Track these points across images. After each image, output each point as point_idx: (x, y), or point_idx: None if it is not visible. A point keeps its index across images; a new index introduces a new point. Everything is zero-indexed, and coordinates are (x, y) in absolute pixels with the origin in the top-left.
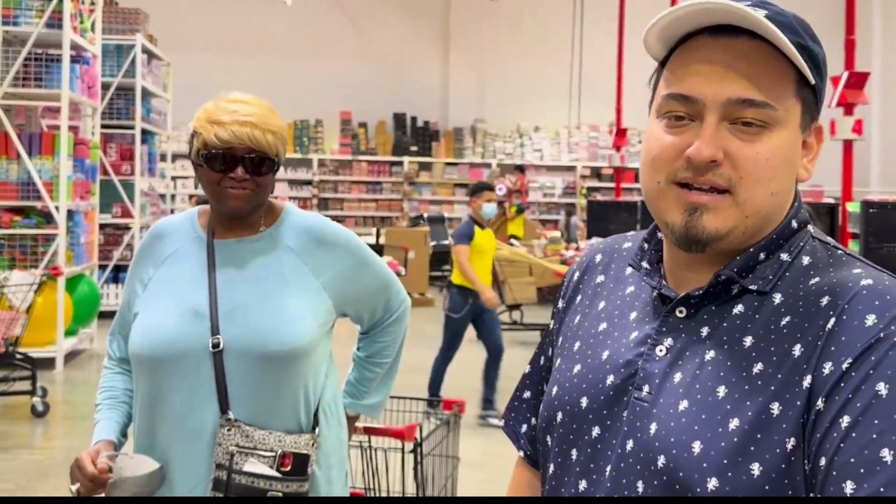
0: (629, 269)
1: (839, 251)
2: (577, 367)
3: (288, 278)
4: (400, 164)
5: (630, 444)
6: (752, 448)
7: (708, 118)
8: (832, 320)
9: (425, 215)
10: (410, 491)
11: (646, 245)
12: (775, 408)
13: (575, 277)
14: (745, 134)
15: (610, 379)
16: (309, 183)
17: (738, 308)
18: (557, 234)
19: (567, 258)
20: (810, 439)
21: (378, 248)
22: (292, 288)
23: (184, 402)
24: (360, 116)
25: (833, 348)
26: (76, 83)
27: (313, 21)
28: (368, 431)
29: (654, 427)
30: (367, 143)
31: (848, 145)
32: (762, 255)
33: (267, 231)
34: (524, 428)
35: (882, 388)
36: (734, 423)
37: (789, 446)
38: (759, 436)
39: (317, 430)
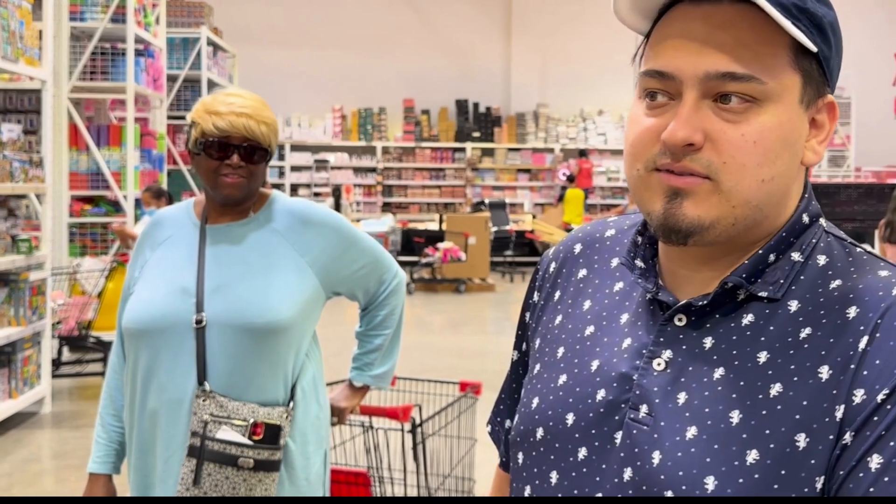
0: (615, 262)
1: (857, 249)
2: (563, 378)
3: (273, 258)
4: (462, 150)
5: (629, 473)
6: (776, 486)
7: (686, 95)
8: (865, 338)
9: (486, 201)
10: (412, 471)
11: (639, 238)
12: (801, 440)
13: (551, 269)
14: (728, 113)
15: (601, 394)
16: (373, 170)
17: (748, 318)
18: None
19: None
20: (831, 475)
21: (439, 235)
22: (277, 266)
23: (167, 374)
24: (422, 103)
25: (866, 373)
26: (141, 76)
27: (375, 9)
28: (366, 411)
29: (657, 456)
30: (429, 129)
31: None
32: (772, 257)
33: (255, 215)
34: (504, 434)
35: None
36: (753, 456)
37: (818, 486)
38: (783, 472)
39: (291, 405)
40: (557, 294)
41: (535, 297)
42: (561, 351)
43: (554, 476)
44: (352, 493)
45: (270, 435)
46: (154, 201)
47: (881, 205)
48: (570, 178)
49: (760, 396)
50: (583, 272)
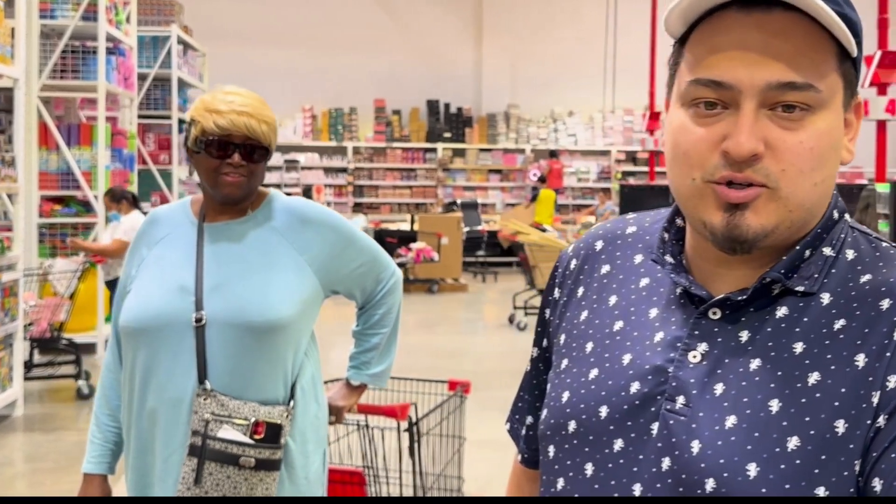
0: (639, 258)
1: (883, 244)
2: (595, 372)
3: (272, 256)
4: (434, 150)
5: (667, 463)
6: (817, 471)
7: (745, 106)
8: None
9: (458, 201)
10: (407, 470)
11: (666, 235)
12: (840, 426)
13: (573, 265)
14: (786, 121)
15: (635, 386)
16: (344, 170)
17: (782, 311)
18: (591, 219)
19: None
20: (866, 456)
21: (412, 235)
22: (276, 265)
23: (167, 372)
24: (393, 104)
25: None
26: (112, 74)
27: (346, 9)
28: (363, 410)
29: (696, 445)
30: (400, 130)
31: (882, 126)
32: (807, 253)
33: (253, 214)
34: (524, 430)
35: None
36: (794, 443)
37: (857, 469)
38: (823, 457)
39: (291, 404)
40: (581, 290)
41: (556, 294)
42: (590, 346)
43: (589, 468)
44: (347, 492)
45: (271, 434)
46: (114, 205)
47: (850, 205)
48: (542, 179)
49: (798, 385)
50: (606, 268)
